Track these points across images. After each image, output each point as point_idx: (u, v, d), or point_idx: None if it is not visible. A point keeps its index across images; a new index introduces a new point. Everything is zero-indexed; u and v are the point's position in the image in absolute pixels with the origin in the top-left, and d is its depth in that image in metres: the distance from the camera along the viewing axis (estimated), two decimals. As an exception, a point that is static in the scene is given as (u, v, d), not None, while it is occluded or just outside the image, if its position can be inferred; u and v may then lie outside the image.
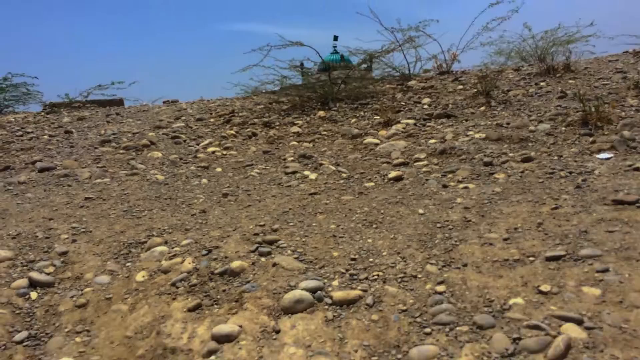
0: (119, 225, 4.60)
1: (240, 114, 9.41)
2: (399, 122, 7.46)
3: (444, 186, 4.84)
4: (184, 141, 8.01)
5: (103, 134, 8.94)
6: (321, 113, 8.53)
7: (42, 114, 16.95)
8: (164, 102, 29.42)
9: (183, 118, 9.80)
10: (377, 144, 6.74)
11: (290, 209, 4.65)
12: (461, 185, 4.78)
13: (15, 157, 7.93)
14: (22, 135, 9.56)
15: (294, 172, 5.93)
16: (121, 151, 7.63)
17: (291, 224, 4.23)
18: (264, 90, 10.86)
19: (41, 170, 6.97)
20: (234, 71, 10.67)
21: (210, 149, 7.41)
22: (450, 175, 5.13)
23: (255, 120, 8.81)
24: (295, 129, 7.97)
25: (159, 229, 4.44)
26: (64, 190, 5.96)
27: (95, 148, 7.98)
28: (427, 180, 5.08)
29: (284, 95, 10.11)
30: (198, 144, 7.77)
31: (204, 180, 5.97)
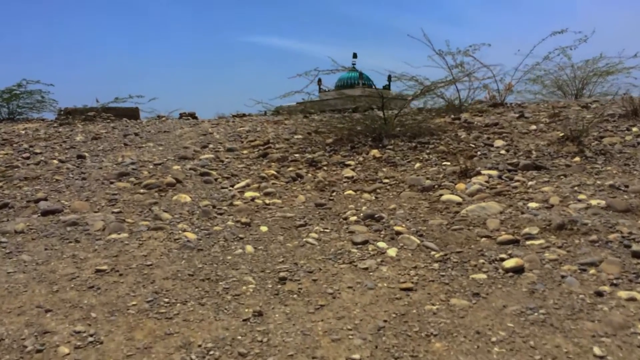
0: (141, 333, 3.15)
1: (277, 146, 7.97)
2: (478, 173, 6.00)
3: (598, 294, 3.36)
4: (216, 180, 6.57)
5: (120, 163, 7.53)
6: (375, 152, 7.08)
7: (55, 124, 15.60)
8: (180, 115, 28.08)
9: (211, 146, 8.39)
10: (459, 204, 5.27)
11: (385, 321, 3.18)
12: (623, 294, 3.30)
13: (17, 188, 6.53)
14: (28, 157, 8.16)
15: (365, 243, 4.48)
16: (141, 190, 6.20)
17: (399, 359, 2.77)
18: (302, 115, 9.46)
19: (45, 213, 5.55)
20: (277, 96, 9.18)
21: (249, 194, 5.97)
22: (592, 271, 3.65)
23: (297, 155, 7.37)
24: (348, 172, 6.52)
25: (200, 346, 2.98)
26: (70, 251, 4.52)
27: (111, 182, 6.56)
28: (562, 277, 3.61)
29: (324, 124, 8.69)
30: (233, 185, 6.33)
31: (249, 248, 4.51)
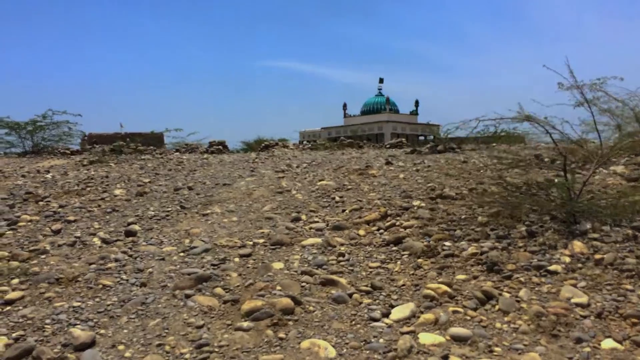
0: None
1: (404, 223, 5.47)
2: None
3: None
4: (351, 296, 4.05)
5: (189, 249, 5.07)
6: (579, 246, 4.52)
7: (85, 162, 13.22)
8: (210, 144, 25.62)
9: (304, 218, 5.94)
10: None
11: None
12: None
13: (43, 306, 4.08)
14: (59, 231, 5.75)
15: None
16: (244, 324, 3.69)
17: None
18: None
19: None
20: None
21: (426, 339, 3.41)
22: None
23: (447, 245, 4.84)
24: (567, 289, 3.94)
25: None
26: None
27: (187, 296, 4.07)
28: None
29: (447, 182, 6.17)
30: (386, 315, 3.79)
31: None
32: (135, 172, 10.71)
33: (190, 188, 8.22)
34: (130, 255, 5.08)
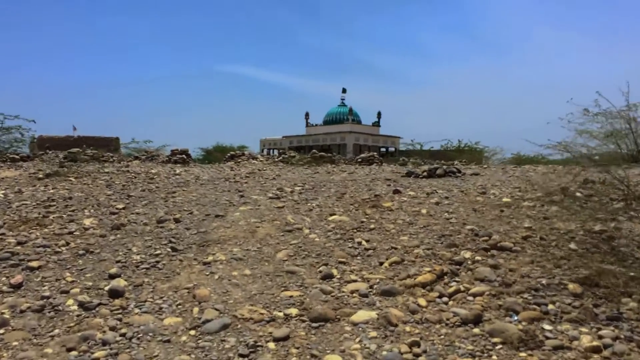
0: None
1: (472, 285, 4.34)
2: None
3: None
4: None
5: (200, 324, 3.80)
6: None
7: (41, 175, 11.47)
8: (172, 152, 23.89)
9: (337, 275, 4.74)
10: None
11: None
12: None
13: None
14: (20, 286, 4.32)
15: None
16: None
17: None
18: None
19: None
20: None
21: None
22: None
23: (546, 326, 3.73)
24: None
25: None
26: None
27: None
28: None
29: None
30: None
31: None
32: (102, 192, 9.18)
33: (177, 220, 6.83)
34: (123, 334, 3.71)
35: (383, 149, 51.93)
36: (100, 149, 25.69)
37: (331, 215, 6.90)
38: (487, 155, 34.43)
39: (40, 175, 11.24)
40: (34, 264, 5.10)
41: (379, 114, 54.15)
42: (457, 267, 4.77)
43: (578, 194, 7.37)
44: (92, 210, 7.50)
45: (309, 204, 7.78)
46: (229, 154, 26.52)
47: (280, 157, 22.29)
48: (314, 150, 23.45)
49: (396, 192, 8.39)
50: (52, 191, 9.20)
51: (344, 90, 53.51)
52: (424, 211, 6.90)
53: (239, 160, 25.11)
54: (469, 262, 4.85)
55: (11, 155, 17.52)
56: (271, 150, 55.90)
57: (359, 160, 23.95)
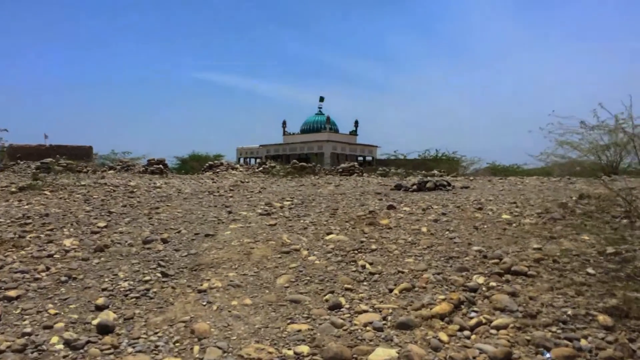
0: None
1: (493, 317, 4.07)
2: None
3: None
4: None
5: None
6: None
7: (13, 189, 10.82)
8: (149, 162, 23.21)
9: (348, 306, 4.41)
10: None
11: None
12: None
13: None
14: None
15: None
16: None
17: None
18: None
19: None
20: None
21: None
22: None
23: None
24: None
25: None
26: None
27: None
28: None
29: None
30: None
31: None
32: (80, 208, 8.67)
33: (164, 240, 6.41)
34: (117, 381, 3.28)
35: (360, 158, 51.86)
36: (73, 159, 24.86)
37: (328, 234, 6.57)
38: (465, 165, 34.67)
39: (14, 189, 10.63)
40: (12, 293, 4.63)
41: (356, 123, 54.11)
42: (472, 294, 4.48)
43: (577, 210, 7.20)
44: (71, 229, 7.01)
45: (302, 221, 7.44)
46: (207, 164, 25.95)
47: (261, 168, 21.87)
48: (294, 161, 23.11)
49: (390, 207, 8.11)
50: (27, 207, 8.65)
51: (321, 99, 53.32)
52: (424, 229, 6.62)
53: (217, 170, 24.59)
54: (484, 289, 4.57)
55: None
56: (248, 159, 55.27)
57: (340, 170, 23.69)
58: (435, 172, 24.43)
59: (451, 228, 6.64)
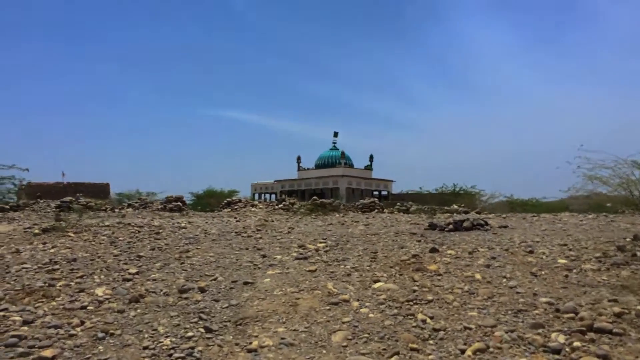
0: None
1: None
2: None
3: None
4: None
5: None
6: None
7: (37, 231, 10.51)
8: (167, 199, 22.94)
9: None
10: None
11: None
12: None
13: None
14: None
15: None
16: None
17: None
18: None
19: None
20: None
21: None
22: None
23: None
24: None
25: None
26: None
27: None
28: None
29: None
30: None
31: None
32: (107, 251, 8.32)
33: (201, 289, 6.00)
34: None
35: (376, 192, 51.43)
36: (91, 196, 24.71)
37: (375, 281, 6.13)
38: (483, 199, 34.05)
39: (37, 231, 10.32)
40: (48, 352, 4.22)
41: (371, 157, 53.92)
42: (557, 356, 3.99)
43: (638, 253, 6.71)
44: (102, 276, 6.63)
45: (342, 266, 7.01)
46: (225, 201, 25.67)
47: (281, 205, 21.52)
48: (314, 197, 22.75)
49: (434, 250, 7.67)
50: (52, 250, 8.31)
51: (335, 134, 53.39)
52: (478, 276, 6.16)
53: (236, 207, 24.27)
54: (568, 349, 4.09)
55: (0, 205, 16.52)
56: (263, 195, 55.05)
57: (360, 206, 23.30)
58: (455, 206, 23.94)
59: (507, 275, 6.18)
